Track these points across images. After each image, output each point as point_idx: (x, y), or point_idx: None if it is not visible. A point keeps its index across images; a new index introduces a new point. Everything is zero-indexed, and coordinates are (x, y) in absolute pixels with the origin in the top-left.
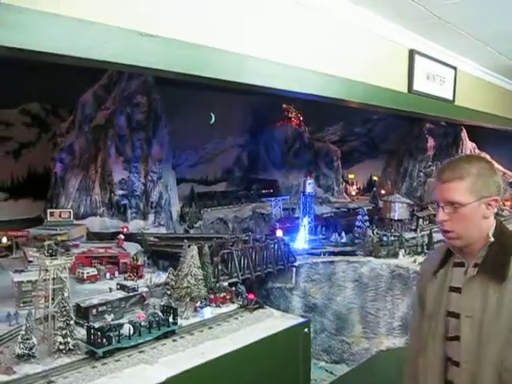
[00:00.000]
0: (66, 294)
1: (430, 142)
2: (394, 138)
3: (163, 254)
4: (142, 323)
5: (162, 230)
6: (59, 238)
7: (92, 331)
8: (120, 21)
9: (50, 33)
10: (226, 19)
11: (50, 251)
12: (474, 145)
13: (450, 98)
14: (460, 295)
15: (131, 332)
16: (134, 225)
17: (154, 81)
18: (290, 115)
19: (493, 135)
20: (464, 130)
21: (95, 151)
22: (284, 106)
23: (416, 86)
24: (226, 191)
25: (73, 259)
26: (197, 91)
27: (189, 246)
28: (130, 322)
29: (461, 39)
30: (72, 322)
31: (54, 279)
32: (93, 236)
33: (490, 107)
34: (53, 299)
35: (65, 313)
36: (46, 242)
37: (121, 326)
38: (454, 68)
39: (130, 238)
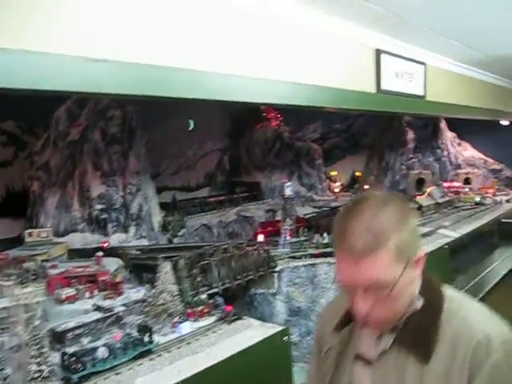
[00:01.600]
0: (37, 322)
1: (410, 135)
2: (375, 132)
3: (146, 267)
4: (117, 345)
5: (144, 242)
6: (39, 258)
7: (66, 357)
8: (66, 49)
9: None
10: (178, 36)
11: (20, 279)
12: (454, 135)
13: (421, 93)
14: (368, 370)
15: (106, 355)
16: (116, 238)
17: None
18: (268, 116)
19: (472, 124)
20: (443, 121)
21: (72, 167)
22: (262, 107)
23: (384, 85)
24: (209, 196)
25: (43, 286)
26: (173, 99)
27: (163, 261)
28: (105, 345)
29: (426, 36)
30: (45, 350)
31: (26, 306)
32: (73, 253)
33: (464, 99)
34: (25, 327)
35: (37, 340)
36: (14, 271)
37: (95, 349)
38: (423, 64)
39: (111, 252)
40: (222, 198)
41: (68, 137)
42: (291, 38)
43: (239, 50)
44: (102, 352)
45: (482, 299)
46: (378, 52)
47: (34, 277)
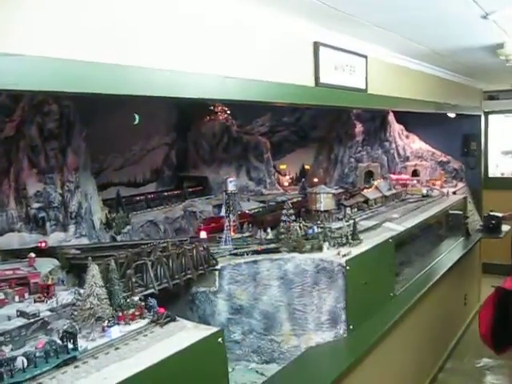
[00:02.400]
0: None
1: (358, 128)
2: (323, 125)
3: (84, 267)
4: (37, 353)
5: (85, 241)
6: None
7: None
8: None
9: None
10: (105, 31)
11: None
12: (401, 127)
13: (363, 86)
14: None
15: (25, 364)
16: (55, 238)
17: None
18: (216, 110)
19: (420, 116)
20: (391, 114)
21: (7, 164)
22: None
23: (323, 79)
24: (155, 192)
25: None
26: (95, 95)
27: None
28: (24, 354)
29: (365, 28)
30: None
31: None
32: (8, 254)
33: (408, 92)
34: None
35: None
36: None
37: (13, 359)
38: (365, 56)
39: (49, 252)
40: (168, 193)
41: (3, 133)
42: (224, 31)
43: (167, 42)
44: (20, 362)
45: (428, 291)
46: (317, 44)
47: None
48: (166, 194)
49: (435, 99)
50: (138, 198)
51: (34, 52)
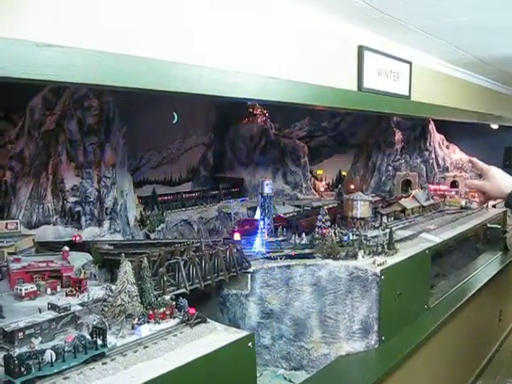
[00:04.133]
0: None
1: (398, 136)
2: (362, 132)
3: (117, 263)
4: (66, 348)
5: (119, 237)
6: (6, 251)
7: (9, 360)
8: (14, 32)
9: None
10: (146, 24)
11: None
12: (442, 137)
13: (406, 93)
14: None
15: (53, 358)
16: (89, 232)
17: None
18: (255, 112)
19: (461, 126)
20: (432, 123)
21: (46, 157)
22: (249, 102)
23: (366, 84)
24: (191, 191)
25: None
26: (139, 90)
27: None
28: (53, 348)
29: (412, 34)
30: None
31: None
32: (44, 247)
33: (451, 101)
34: None
35: None
36: None
37: (42, 352)
38: (409, 63)
39: (83, 246)
40: (204, 193)
41: (43, 126)
42: (267, 30)
43: (211, 41)
44: (49, 355)
45: (463, 305)
46: (361, 48)
47: None
48: (201, 194)
49: (479, 109)
50: (173, 197)
51: (78, 44)
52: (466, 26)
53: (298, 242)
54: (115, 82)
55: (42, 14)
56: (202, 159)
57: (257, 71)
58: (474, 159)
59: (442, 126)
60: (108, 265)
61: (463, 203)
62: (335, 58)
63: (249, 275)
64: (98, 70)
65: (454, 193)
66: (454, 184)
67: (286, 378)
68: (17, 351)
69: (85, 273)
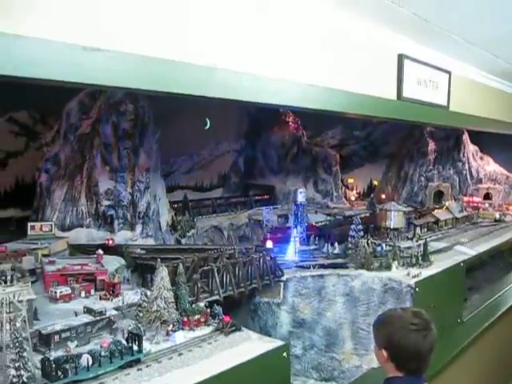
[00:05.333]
0: (18, 324)
1: (431, 146)
2: (395, 141)
3: (149, 268)
4: (103, 353)
5: (150, 241)
6: (40, 253)
7: (46, 363)
8: (61, 35)
9: None
10: (189, 30)
11: (4, 278)
12: (476, 148)
13: (445, 103)
14: None
15: (90, 363)
16: (122, 236)
17: None
18: (287, 119)
19: (496, 137)
20: (466, 133)
21: (81, 161)
22: (281, 110)
23: (406, 93)
24: (222, 197)
25: (29, 285)
26: (179, 95)
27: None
28: (89, 352)
29: (453, 43)
30: (26, 354)
31: (9, 305)
32: (77, 249)
33: (489, 112)
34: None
35: (17, 344)
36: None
37: (78, 356)
38: (448, 72)
39: (115, 250)
40: (234, 199)
41: (79, 130)
42: (307, 37)
43: (253, 47)
44: (85, 359)
45: (497, 320)
46: (401, 57)
47: (19, 275)
48: (232, 200)
49: None
50: (204, 203)
51: (125, 49)
52: (509, 35)
53: (330, 251)
54: (158, 87)
55: (90, 18)
56: (232, 166)
57: (297, 79)
58: None
59: (475, 137)
60: (140, 269)
61: (497, 216)
62: (375, 67)
63: (281, 284)
64: (143, 75)
65: (487, 205)
66: (487, 196)
67: None
68: (53, 354)
69: (118, 277)
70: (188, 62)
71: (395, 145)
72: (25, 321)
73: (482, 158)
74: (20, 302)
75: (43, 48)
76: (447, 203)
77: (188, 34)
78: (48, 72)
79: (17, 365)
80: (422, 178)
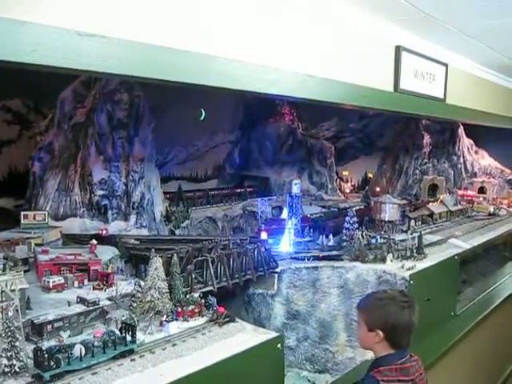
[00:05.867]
0: (10, 313)
1: (426, 139)
2: (390, 134)
3: (143, 258)
4: (95, 343)
5: (144, 232)
6: (33, 242)
7: (39, 353)
8: (56, 20)
9: None
10: (187, 17)
11: None
12: (471, 142)
13: (441, 96)
14: None
15: (83, 353)
16: (116, 226)
17: None
18: (282, 111)
19: (491, 132)
20: (461, 127)
21: (75, 150)
22: (276, 101)
23: (403, 85)
24: (216, 188)
25: (22, 274)
26: (185, 87)
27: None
28: (82, 342)
29: (451, 35)
30: (18, 343)
31: (1, 294)
32: (70, 239)
33: (486, 105)
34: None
35: (9, 333)
36: None
37: (71, 346)
38: (445, 65)
39: (109, 240)
40: (228, 191)
41: (73, 119)
42: (305, 28)
43: (251, 37)
44: (78, 349)
45: (490, 313)
46: (399, 48)
47: (12, 264)
48: (226, 191)
49: None
50: (198, 194)
51: (120, 35)
52: (506, 27)
53: (325, 243)
54: (154, 75)
55: (85, 2)
56: (227, 157)
57: (294, 68)
58: None
59: (471, 131)
60: (134, 259)
61: (491, 209)
62: (372, 58)
63: (276, 275)
64: (138, 62)
65: (481, 199)
66: (481, 190)
67: (309, 381)
68: (45, 344)
69: (112, 267)
70: (185, 50)
71: (390, 137)
72: (17, 310)
73: (476, 152)
74: (12, 291)
75: (39, 33)
76: (442, 196)
77: (186, 21)
78: (42, 58)
79: (9, 354)
80: (417, 171)
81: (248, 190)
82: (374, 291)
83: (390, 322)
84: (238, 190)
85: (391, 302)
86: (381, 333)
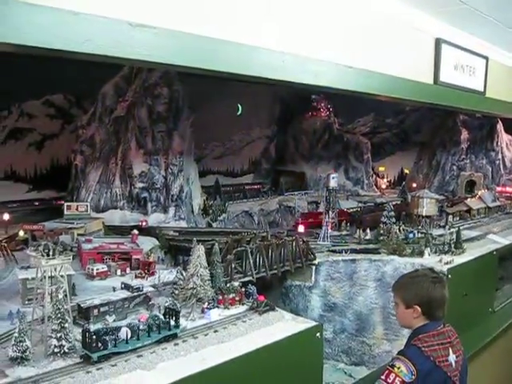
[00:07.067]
0: (60, 296)
1: (464, 135)
2: (427, 129)
3: (182, 249)
4: (141, 326)
5: (183, 224)
6: (76, 232)
7: (87, 335)
8: (109, 11)
9: (33, 25)
10: (234, 9)
11: (46, 251)
12: (510, 137)
13: (481, 89)
14: None
15: (129, 336)
16: (155, 218)
17: (176, 72)
18: (319, 106)
19: None
20: (500, 122)
21: (115, 143)
22: (313, 96)
23: (443, 77)
24: (253, 183)
25: (71, 259)
26: (223, 82)
27: (196, 245)
28: (128, 325)
29: (491, 27)
30: (67, 325)
31: (51, 279)
32: (111, 230)
33: None
34: (51, 300)
35: (59, 315)
36: (42, 242)
37: (118, 329)
38: (486, 58)
39: (149, 231)
40: (265, 185)
41: (114, 112)
42: (346, 20)
43: (294, 29)
44: (124, 332)
45: None
46: (439, 41)
47: (61, 249)
48: (262, 186)
49: None
50: (235, 188)
51: (170, 26)
52: None
53: (362, 236)
54: (201, 65)
55: None
56: (264, 152)
57: (336, 60)
58: None
59: (510, 126)
60: (173, 250)
61: None
62: (412, 50)
63: (313, 267)
64: (187, 52)
65: None
66: None
67: (346, 373)
68: (91, 327)
69: (153, 256)
70: (231, 41)
71: (427, 133)
72: (66, 294)
73: None
74: (61, 276)
75: (91, 24)
76: (480, 192)
77: (232, 13)
78: (95, 48)
79: (58, 335)
80: (454, 167)
81: (284, 184)
82: (405, 273)
83: (425, 297)
84: (276, 185)
85: (424, 279)
86: (418, 308)
